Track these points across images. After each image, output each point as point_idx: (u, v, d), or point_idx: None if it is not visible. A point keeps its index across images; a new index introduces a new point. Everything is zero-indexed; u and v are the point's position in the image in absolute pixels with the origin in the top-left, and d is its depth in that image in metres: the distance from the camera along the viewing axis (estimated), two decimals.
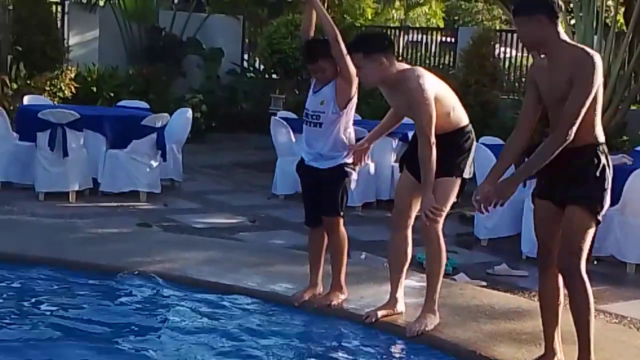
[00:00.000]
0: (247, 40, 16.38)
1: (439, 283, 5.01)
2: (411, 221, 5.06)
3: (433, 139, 4.72)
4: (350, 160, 5.28)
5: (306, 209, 5.40)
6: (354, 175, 5.29)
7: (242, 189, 9.65)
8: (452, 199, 4.94)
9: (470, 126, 5.01)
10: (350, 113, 5.23)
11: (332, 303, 5.30)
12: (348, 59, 5.00)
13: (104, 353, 4.55)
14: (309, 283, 5.45)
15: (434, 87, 4.85)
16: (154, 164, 8.82)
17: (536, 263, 4.46)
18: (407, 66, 5.06)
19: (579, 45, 4.22)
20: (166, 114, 9.09)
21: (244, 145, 12.63)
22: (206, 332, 4.90)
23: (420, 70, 4.91)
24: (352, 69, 5.00)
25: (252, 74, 15.44)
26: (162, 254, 6.48)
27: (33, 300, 5.40)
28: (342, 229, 5.31)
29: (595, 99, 4.01)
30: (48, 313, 5.18)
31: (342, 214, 5.26)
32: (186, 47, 14.43)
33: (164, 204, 8.68)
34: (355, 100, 5.20)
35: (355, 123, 9.34)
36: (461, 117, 4.98)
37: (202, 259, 6.43)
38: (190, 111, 9.87)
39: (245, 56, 16.26)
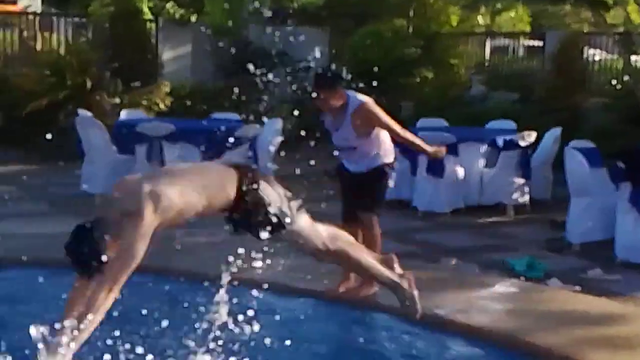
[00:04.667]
0: (333, 51, 16.56)
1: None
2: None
3: None
4: (390, 159, 5.63)
5: (344, 207, 5.81)
6: (393, 174, 5.73)
7: (334, 197, 9.76)
8: None
9: None
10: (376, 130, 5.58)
11: (362, 294, 5.64)
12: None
13: None
14: (342, 277, 5.78)
15: None
16: None
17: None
18: None
19: None
20: (257, 125, 9.31)
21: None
22: (303, 339, 5.00)
23: None
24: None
25: None
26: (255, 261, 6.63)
27: (139, 307, 5.59)
28: (377, 225, 5.68)
29: None
30: (152, 321, 5.36)
31: (378, 211, 5.67)
32: (275, 59, 14.69)
33: None
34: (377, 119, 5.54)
35: (443, 130, 9.52)
36: None
37: (295, 265, 6.57)
38: (280, 121, 10.08)
39: (332, 66, 16.40)
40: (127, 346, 4.57)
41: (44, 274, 6.07)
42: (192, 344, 4.69)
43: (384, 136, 5.64)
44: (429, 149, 5.69)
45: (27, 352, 4.06)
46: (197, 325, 5.06)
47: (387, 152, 5.65)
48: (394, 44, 14.02)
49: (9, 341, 4.66)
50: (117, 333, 4.71)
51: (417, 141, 5.68)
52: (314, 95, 5.63)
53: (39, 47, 13.65)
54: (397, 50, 14.03)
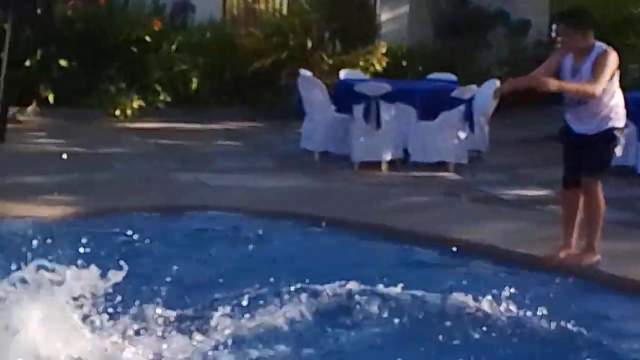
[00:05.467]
0: (554, 11, 15.96)
1: None
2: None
3: None
4: (620, 124, 5.40)
5: (565, 171, 5.62)
6: (622, 140, 5.46)
7: (551, 162, 9.50)
8: None
9: None
10: (613, 83, 5.33)
11: (584, 263, 5.47)
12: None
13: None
14: (562, 243, 5.63)
15: None
16: (462, 135, 8.98)
17: None
18: None
19: None
20: (474, 86, 9.23)
21: (553, 119, 12.34)
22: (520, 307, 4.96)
23: None
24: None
25: (559, 45, 15.03)
26: (470, 223, 6.65)
27: (352, 264, 5.75)
28: (600, 192, 5.45)
29: None
30: (369, 278, 5.49)
31: (602, 177, 5.47)
32: (493, 18, 14.40)
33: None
34: (613, 71, 5.29)
35: None
36: None
37: (510, 229, 6.51)
38: (497, 83, 9.88)
39: (554, 26, 15.86)
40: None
41: (274, 224, 6.46)
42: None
43: (619, 98, 5.41)
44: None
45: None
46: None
47: (619, 115, 5.42)
48: (621, 3, 13.30)
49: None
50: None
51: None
52: (561, 31, 5.56)
53: (262, 8, 14.19)
54: (624, 9, 13.31)
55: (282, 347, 4.24)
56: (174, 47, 12.28)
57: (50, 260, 3.81)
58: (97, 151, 9.59)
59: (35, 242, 4.04)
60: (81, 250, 4.09)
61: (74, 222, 6.21)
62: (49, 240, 4.01)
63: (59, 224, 6.11)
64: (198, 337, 4.22)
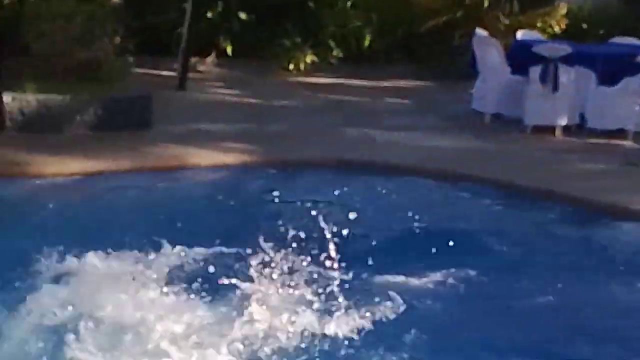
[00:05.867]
0: None
1: None
2: None
3: None
4: None
5: None
6: None
7: None
8: None
9: None
10: None
11: None
12: None
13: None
14: None
15: None
16: None
17: None
18: None
19: None
20: None
21: None
22: None
23: None
24: None
25: None
26: None
27: (519, 229, 5.67)
28: None
29: None
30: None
31: None
32: None
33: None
34: None
35: None
36: None
37: None
38: None
39: None
40: None
41: (440, 184, 6.46)
42: None
43: None
44: None
45: None
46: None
47: None
48: None
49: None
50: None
51: None
52: None
53: None
54: None
55: (431, 305, 4.24)
56: (349, 3, 12.35)
57: None
58: (271, 103, 9.85)
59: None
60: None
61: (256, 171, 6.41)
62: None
63: (241, 172, 6.37)
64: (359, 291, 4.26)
